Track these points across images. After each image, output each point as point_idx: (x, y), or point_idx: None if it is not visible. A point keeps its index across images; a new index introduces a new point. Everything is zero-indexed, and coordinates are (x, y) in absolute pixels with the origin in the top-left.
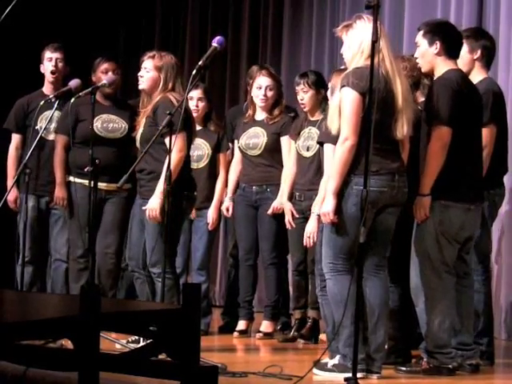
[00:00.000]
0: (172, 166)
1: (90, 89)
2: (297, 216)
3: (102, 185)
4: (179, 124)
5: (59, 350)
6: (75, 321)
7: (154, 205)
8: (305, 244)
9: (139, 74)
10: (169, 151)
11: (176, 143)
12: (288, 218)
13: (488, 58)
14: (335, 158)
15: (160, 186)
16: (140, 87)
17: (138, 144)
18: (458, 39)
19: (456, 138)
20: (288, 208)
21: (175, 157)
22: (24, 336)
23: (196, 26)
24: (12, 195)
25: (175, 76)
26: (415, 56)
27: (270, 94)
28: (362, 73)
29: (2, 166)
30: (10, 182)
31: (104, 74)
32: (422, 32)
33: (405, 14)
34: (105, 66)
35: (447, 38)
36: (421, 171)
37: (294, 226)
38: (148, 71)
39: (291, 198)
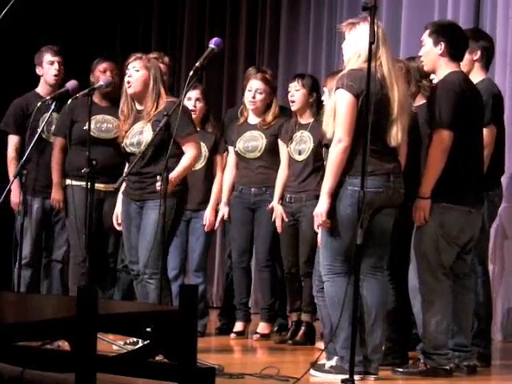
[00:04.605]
0: (186, 165)
1: (86, 90)
2: (286, 220)
3: (100, 186)
4: (192, 127)
5: (56, 352)
6: (72, 322)
7: None
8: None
9: (127, 75)
10: (167, 152)
11: (194, 147)
12: (278, 222)
13: (487, 58)
14: (329, 160)
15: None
16: (130, 91)
17: (140, 148)
18: (463, 42)
19: (457, 140)
20: (279, 212)
21: (194, 159)
22: (21, 337)
23: (193, 27)
24: (18, 197)
25: (162, 77)
26: (419, 54)
27: (259, 97)
28: (356, 75)
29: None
30: (14, 184)
31: (102, 74)
32: (428, 31)
33: (402, 15)
34: (103, 65)
35: (452, 39)
36: (422, 173)
37: (281, 229)
38: (138, 70)
39: (282, 200)
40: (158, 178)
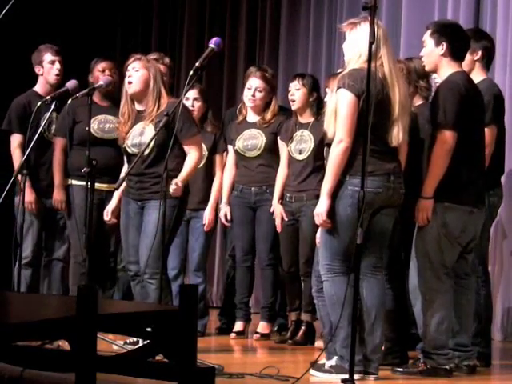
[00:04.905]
0: (191, 168)
1: (86, 90)
2: (286, 219)
3: (102, 186)
4: (195, 128)
5: (56, 351)
6: (72, 322)
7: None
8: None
9: (127, 76)
10: (167, 153)
11: (197, 149)
12: (277, 221)
13: (488, 58)
14: (330, 160)
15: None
16: (130, 91)
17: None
18: (465, 42)
19: (460, 140)
20: (278, 211)
21: (198, 160)
22: (21, 337)
23: (193, 27)
24: (30, 197)
25: (162, 77)
26: (421, 54)
27: (258, 95)
28: (357, 75)
29: None
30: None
31: (101, 73)
32: (429, 31)
33: (402, 15)
34: (102, 65)
35: (454, 39)
36: (424, 173)
37: (281, 229)
38: (137, 70)
39: (282, 199)
40: (174, 181)
